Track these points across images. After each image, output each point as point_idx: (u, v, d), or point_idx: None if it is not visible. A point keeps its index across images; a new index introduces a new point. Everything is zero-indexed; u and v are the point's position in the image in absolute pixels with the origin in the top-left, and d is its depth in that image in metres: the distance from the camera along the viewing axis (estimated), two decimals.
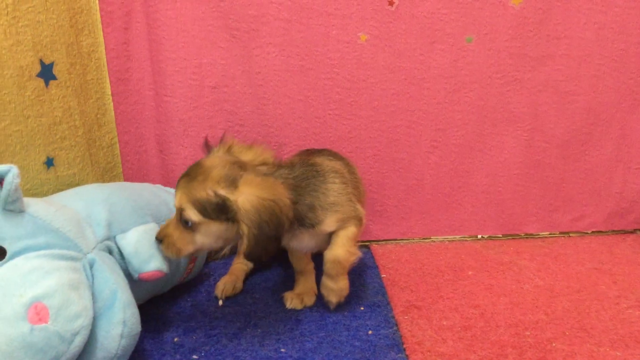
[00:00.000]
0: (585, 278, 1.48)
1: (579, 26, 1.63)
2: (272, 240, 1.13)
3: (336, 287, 1.31)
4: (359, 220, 1.31)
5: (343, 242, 1.28)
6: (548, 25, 1.62)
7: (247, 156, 1.23)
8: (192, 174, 1.15)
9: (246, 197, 1.10)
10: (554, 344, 1.16)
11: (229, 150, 1.24)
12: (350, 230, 1.29)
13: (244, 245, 1.12)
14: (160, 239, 1.18)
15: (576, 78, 1.68)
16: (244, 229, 1.10)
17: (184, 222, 1.14)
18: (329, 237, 1.30)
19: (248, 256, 1.14)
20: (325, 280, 1.31)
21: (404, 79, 1.65)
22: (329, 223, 1.26)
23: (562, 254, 1.65)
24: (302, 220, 1.22)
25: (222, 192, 1.11)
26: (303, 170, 1.26)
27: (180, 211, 1.14)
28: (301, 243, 1.29)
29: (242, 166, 1.17)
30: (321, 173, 1.28)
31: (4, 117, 1.19)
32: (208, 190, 1.11)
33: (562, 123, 1.71)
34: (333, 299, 1.32)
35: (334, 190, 1.27)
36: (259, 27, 1.59)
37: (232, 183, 1.12)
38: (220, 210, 1.11)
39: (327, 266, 1.28)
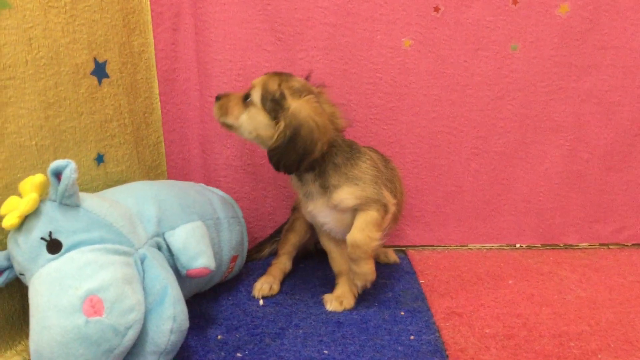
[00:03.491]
0: (628, 290, 1.46)
1: (626, 36, 1.62)
2: (298, 153, 1.24)
3: (359, 271, 1.31)
4: (382, 206, 1.32)
5: (362, 227, 1.29)
6: (594, 35, 1.61)
7: (328, 109, 1.33)
8: (282, 75, 1.32)
9: (300, 106, 1.24)
10: (599, 356, 1.15)
11: (319, 94, 1.34)
12: (371, 214, 1.30)
13: (273, 140, 1.25)
14: (219, 97, 1.37)
15: (621, 88, 1.66)
16: (281, 125, 1.24)
17: (244, 97, 1.32)
18: (351, 220, 1.32)
19: (270, 153, 1.26)
20: (350, 265, 1.33)
21: (446, 85, 1.65)
22: (345, 192, 1.29)
23: (603, 266, 1.63)
24: (322, 174, 1.30)
25: (287, 92, 1.27)
26: (343, 141, 1.35)
27: (251, 88, 1.31)
28: (316, 209, 1.34)
29: (312, 90, 1.32)
30: (359, 150, 1.36)
31: (60, 113, 1.21)
32: (275, 87, 1.28)
33: (605, 134, 1.70)
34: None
35: (361, 167, 1.32)
36: (304, 31, 1.60)
37: (298, 94, 1.27)
38: (275, 105, 1.27)
39: (348, 250, 1.30)
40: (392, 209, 1.36)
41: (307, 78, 1.37)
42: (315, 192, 1.32)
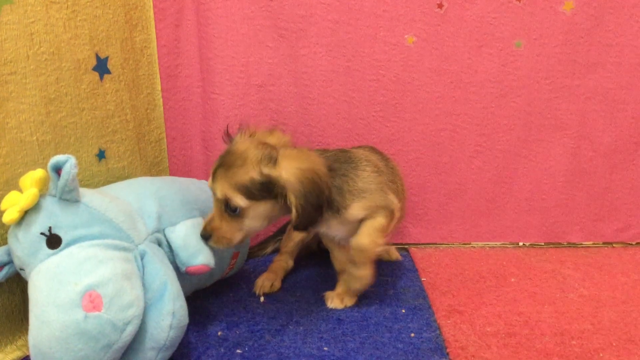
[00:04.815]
0: (631, 289, 1.45)
1: (631, 34, 1.60)
2: (317, 208, 1.17)
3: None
4: (389, 211, 1.31)
5: (369, 232, 1.28)
6: (599, 32, 1.60)
7: (271, 140, 1.24)
8: (227, 162, 1.16)
9: (288, 169, 1.13)
10: (601, 355, 1.14)
11: (252, 136, 1.25)
12: (378, 220, 1.29)
13: (293, 216, 1.14)
14: (207, 235, 1.19)
15: (626, 86, 1.65)
16: (292, 199, 1.13)
17: (230, 211, 1.16)
18: (358, 225, 1.30)
19: (297, 227, 1.16)
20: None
21: (449, 83, 1.64)
22: (355, 209, 1.26)
23: (606, 265, 1.62)
24: (330, 203, 1.23)
25: (266, 170, 1.13)
26: (334, 154, 1.29)
27: (225, 201, 1.15)
28: (329, 229, 1.31)
29: (272, 146, 1.19)
30: (353, 160, 1.30)
31: (61, 109, 1.21)
32: (251, 172, 1.13)
33: (610, 131, 1.69)
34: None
35: (364, 177, 1.28)
36: (306, 27, 1.60)
37: (272, 160, 1.14)
38: (266, 189, 1.14)
39: (352, 253, 1.29)
40: (398, 214, 1.35)
41: (239, 127, 1.26)
42: (327, 217, 1.26)
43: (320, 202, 1.17)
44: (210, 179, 1.19)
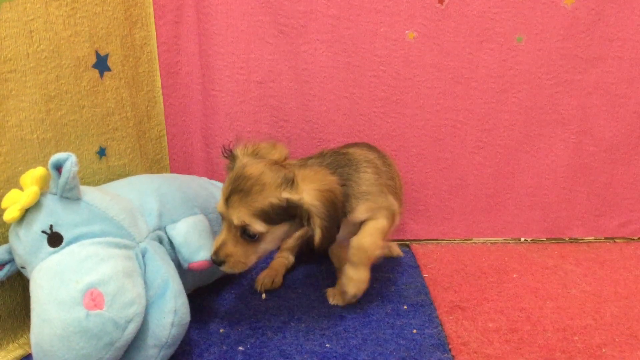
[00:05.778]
0: (633, 284, 1.45)
1: (633, 28, 1.59)
2: (337, 226, 1.17)
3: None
4: (390, 213, 1.30)
5: (371, 232, 1.27)
6: (600, 27, 1.59)
7: (274, 155, 1.22)
8: (242, 188, 1.12)
9: (308, 192, 1.12)
10: (604, 350, 1.14)
11: (256, 153, 1.22)
12: (380, 222, 1.28)
13: (317, 237, 1.13)
14: (220, 262, 1.16)
15: (627, 81, 1.64)
16: (317, 222, 1.12)
17: (247, 237, 1.15)
18: (359, 226, 1.29)
19: (321, 246, 1.15)
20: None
21: (451, 78, 1.63)
22: (360, 211, 1.25)
23: (608, 260, 1.61)
24: None
25: (286, 194, 1.11)
26: (333, 159, 1.28)
27: (243, 227, 1.13)
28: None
29: (283, 165, 1.18)
30: (353, 162, 1.29)
31: (61, 106, 1.21)
32: (271, 198, 1.11)
33: (611, 126, 1.68)
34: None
35: (366, 179, 1.27)
36: (307, 23, 1.59)
37: (289, 182, 1.13)
38: (286, 213, 1.13)
39: (351, 252, 1.27)
40: (398, 217, 1.35)
41: (240, 145, 1.23)
42: None
43: (339, 219, 1.17)
44: (222, 204, 1.16)
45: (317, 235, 1.13)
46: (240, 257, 1.16)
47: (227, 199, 1.14)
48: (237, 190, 1.13)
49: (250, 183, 1.12)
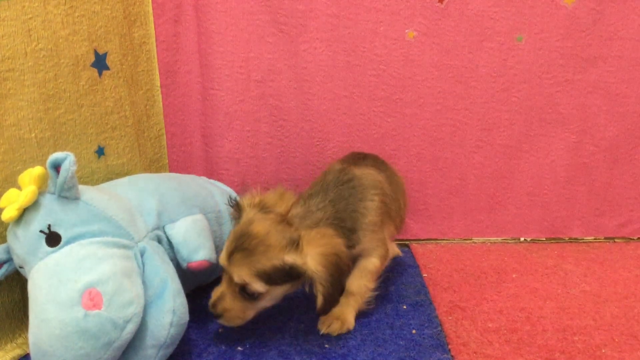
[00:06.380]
0: (633, 284, 1.45)
1: (633, 27, 1.59)
2: (341, 289, 1.17)
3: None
4: (385, 250, 1.28)
5: (362, 275, 1.26)
6: (601, 26, 1.59)
7: (281, 206, 1.19)
8: (246, 246, 1.10)
9: (312, 257, 1.08)
10: (603, 350, 1.14)
11: (263, 205, 1.19)
12: (373, 262, 1.26)
13: (319, 303, 1.10)
14: (218, 315, 1.14)
15: (628, 80, 1.64)
16: (320, 288, 1.09)
17: (246, 295, 1.12)
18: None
19: (323, 312, 1.15)
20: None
21: (450, 77, 1.63)
22: (366, 242, 1.23)
23: (608, 260, 1.61)
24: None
25: (290, 258, 1.08)
26: (338, 190, 1.22)
27: (243, 286, 1.11)
28: None
29: (288, 221, 1.14)
30: (358, 190, 1.24)
31: (59, 106, 1.20)
32: (274, 261, 1.08)
33: (611, 126, 1.68)
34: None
35: (373, 208, 1.23)
36: (306, 22, 1.59)
37: (294, 244, 1.09)
38: (288, 275, 1.10)
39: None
40: (390, 256, 1.35)
41: (262, 204, 1.18)
42: None
43: (343, 282, 1.16)
44: (224, 258, 1.13)
45: (320, 301, 1.10)
46: (238, 313, 1.14)
47: (230, 255, 1.12)
48: (241, 248, 1.10)
49: (255, 243, 1.09)
